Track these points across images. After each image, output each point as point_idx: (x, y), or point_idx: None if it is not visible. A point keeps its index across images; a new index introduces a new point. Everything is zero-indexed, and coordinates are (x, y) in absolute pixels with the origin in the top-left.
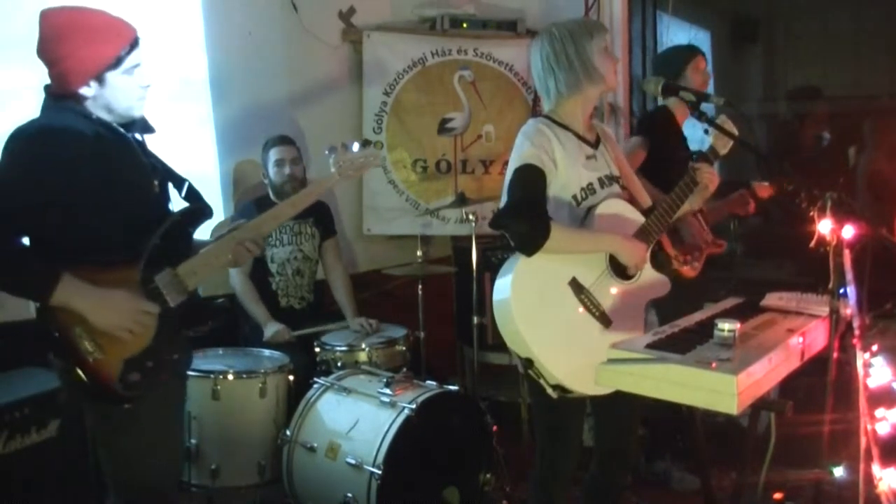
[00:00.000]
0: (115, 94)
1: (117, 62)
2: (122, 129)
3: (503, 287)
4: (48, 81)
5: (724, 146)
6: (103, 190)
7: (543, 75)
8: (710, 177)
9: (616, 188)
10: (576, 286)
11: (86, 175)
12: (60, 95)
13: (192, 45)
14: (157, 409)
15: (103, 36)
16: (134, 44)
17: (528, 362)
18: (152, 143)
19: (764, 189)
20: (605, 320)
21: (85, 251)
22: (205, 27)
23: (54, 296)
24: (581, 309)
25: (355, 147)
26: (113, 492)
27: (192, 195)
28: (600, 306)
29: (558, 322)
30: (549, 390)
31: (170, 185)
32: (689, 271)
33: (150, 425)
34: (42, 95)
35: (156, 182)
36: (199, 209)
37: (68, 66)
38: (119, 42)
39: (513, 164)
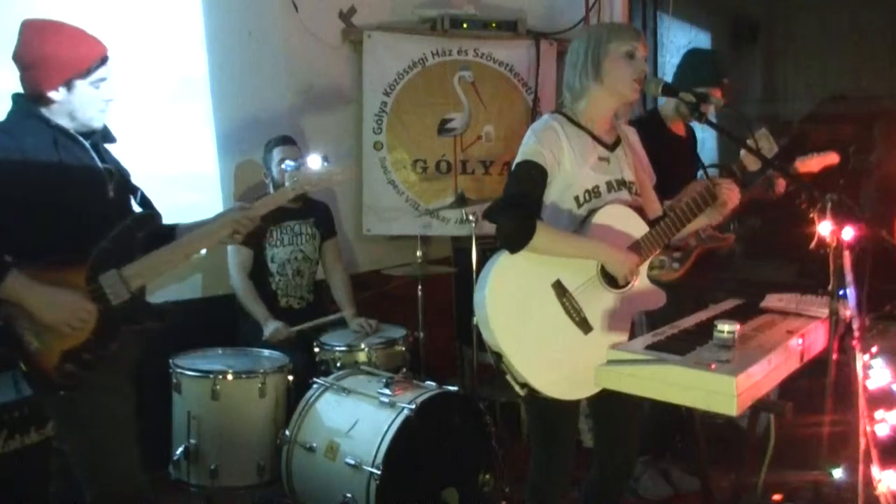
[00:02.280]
0: (80, 102)
1: (87, 72)
2: (79, 137)
3: (483, 280)
4: (18, 90)
5: (755, 161)
6: (56, 193)
7: (566, 70)
8: (729, 193)
9: (625, 194)
10: (559, 289)
11: (39, 178)
12: (28, 100)
13: (192, 45)
14: (97, 401)
15: (78, 46)
16: (104, 60)
17: (498, 357)
18: (145, 146)
19: (809, 163)
20: (585, 326)
21: (36, 250)
22: (205, 27)
23: (2, 288)
24: (561, 312)
25: (315, 163)
26: (83, 486)
27: (144, 202)
28: (581, 312)
29: (534, 322)
30: (517, 388)
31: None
32: (665, 275)
33: (91, 417)
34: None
35: (110, 187)
36: (149, 216)
37: (43, 69)
38: (91, 54)
39: (516, 159)
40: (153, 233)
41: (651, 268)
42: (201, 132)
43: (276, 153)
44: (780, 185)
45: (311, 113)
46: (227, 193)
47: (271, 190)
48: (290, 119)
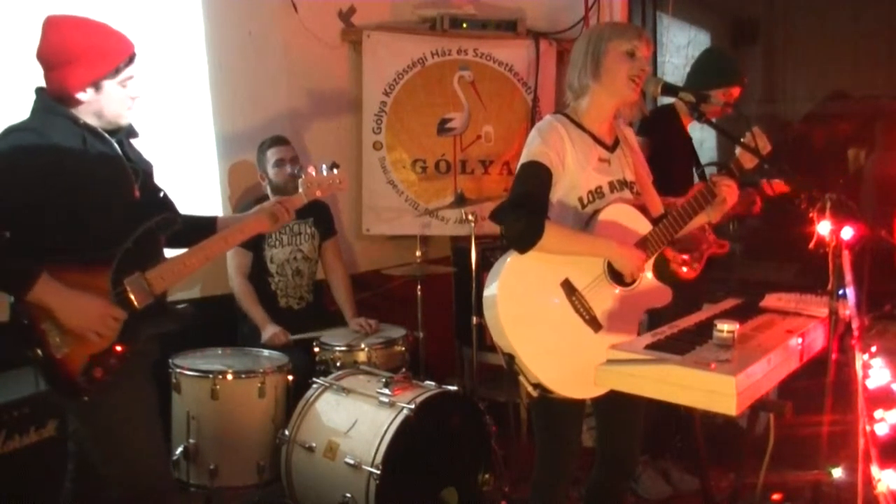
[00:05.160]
0: (108, 102)
1: (116, 72)
2: (107, 135)
3: (492, 282)
4: (39, 84)
5: (751, 160)
6: (85, 193)
7: (569, 68)
8: (728, 190)
9: (627, 194)
10: (568, 288)
11: (70, 178)
12: (53, 98)
13: (192, 45)
14: (123, 403)
15: (106, 45)
16: (132, 58)
17: (510, 358)
18: (145, 146)
19: (776, 185)
20: (594, 325)
21: (63, 251)
22: (205, 27)
23: (32, 292)
24: (571, 311)
25: (323, 169)
26: (109, 486)
27: (166, 204)
28: (591, 310)
29: (545, 322)
30: (530, 388)
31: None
32: (687, 273)
33: (118, 419)
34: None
35: (136, 186)
36: (171, 218)
37: (71, 70)
38: (120, 53)
39: (521, 159)
40: (191, 227)
41: (678, 264)
42: (201, 132)
43: (272, 154)
44: (758, 202)
45: (311, 113)
46: (227, 193)
47: (268, 191)
48: (290, 119)
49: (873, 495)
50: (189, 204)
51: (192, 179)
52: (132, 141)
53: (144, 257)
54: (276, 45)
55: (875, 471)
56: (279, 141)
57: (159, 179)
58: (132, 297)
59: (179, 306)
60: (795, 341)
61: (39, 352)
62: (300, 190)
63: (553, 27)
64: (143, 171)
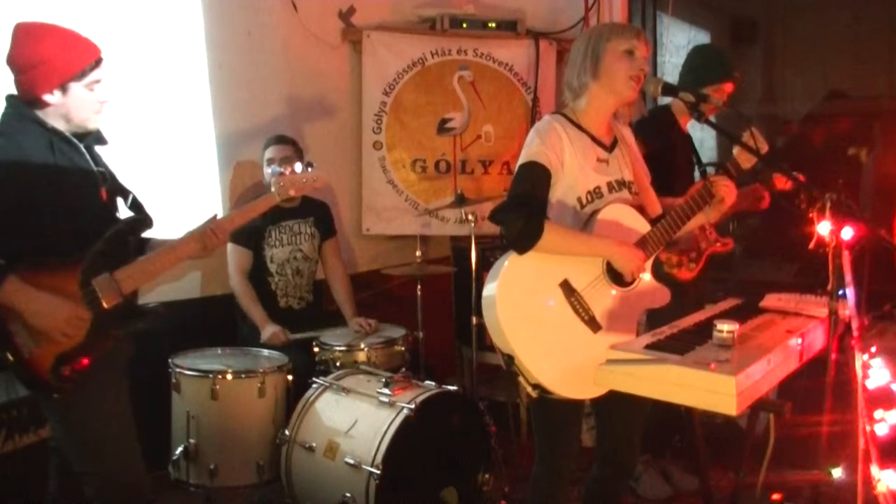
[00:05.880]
0: (75, 105)
1: (82, 74)
2: (74, 140)
3: (491, 282)
4: (10, 92)
5: (748, 159)
6: (51, 196)
7: (567, 68)
8: (726, 190)
9: (626, 194)
10: (567, 288)
11: (36, 181)
12: (23, 103)
13: (192, 45)
14: (93, 399)
15: (73, 49)
16: (98, 61)
17: (510, 359)
18: (145, 146)
19: (782, 180)
20: (593, 325)
21: (30, 253)
22: (205, 27)
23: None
24: (570, 312)
25: (297, 167)
26: (82, 484)
27: (136, 206)
28: (590, 311)
29: (544, 322)
30: (529, 389)
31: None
32: (682, 273)
33: (86, 416)
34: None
35: (103, 190)
36: (141, 220)
37: (39, 72)
38: (86, 57)
39: (520, 160)
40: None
41: (670, 265)
42: (201, 132)
43: (268, 153)
44: (766, 198)
45: (311, 113)
46: (227, 193)
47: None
48: (290, 119)
49: (873, 495)
50: (189, 204)
51: (192, 179)
52: (100, 148)
53: (114, 258)
54: (276, 44)
55: (875, 471)
56: (278, 140)
57: (158, 179)
58: (101, 297)
59: (149, 305)
60: (795, 341)
61: (8, 352)
62: (272, 189)
63: (553, 27)
64: (110, 174)
